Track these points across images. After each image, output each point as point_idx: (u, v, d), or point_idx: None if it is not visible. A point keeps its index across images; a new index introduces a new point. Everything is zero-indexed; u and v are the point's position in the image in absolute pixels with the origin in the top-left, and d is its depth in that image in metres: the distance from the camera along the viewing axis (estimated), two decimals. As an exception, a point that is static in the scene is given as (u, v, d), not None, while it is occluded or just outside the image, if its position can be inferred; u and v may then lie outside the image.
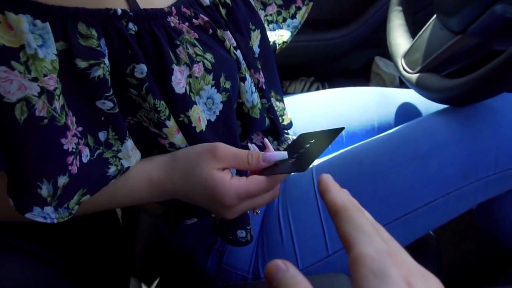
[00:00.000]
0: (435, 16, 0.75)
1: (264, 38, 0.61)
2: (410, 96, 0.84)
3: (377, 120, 0.82)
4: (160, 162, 0.48)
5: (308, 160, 0.43)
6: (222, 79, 0.50)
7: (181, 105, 0.46)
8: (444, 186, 0.63)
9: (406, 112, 0.83)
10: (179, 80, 0.45)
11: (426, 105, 0.82)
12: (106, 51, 0.41)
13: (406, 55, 0.78)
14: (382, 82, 1.24)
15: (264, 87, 0.59)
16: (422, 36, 0.76)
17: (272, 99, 0.67)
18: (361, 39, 1.19)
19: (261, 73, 0.59)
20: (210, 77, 0.48)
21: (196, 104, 0.48)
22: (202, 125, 0.48)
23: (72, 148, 0.40)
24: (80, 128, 0.42)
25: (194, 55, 0.47)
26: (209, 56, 0.48)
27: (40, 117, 0.37)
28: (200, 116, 0.48)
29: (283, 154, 0.45)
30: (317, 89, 1.27)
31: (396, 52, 0.80)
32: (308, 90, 1.26)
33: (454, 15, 0.68)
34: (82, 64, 0.39)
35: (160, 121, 0.46)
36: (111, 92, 0.42)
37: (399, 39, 0.81)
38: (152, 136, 0.48)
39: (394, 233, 0.62)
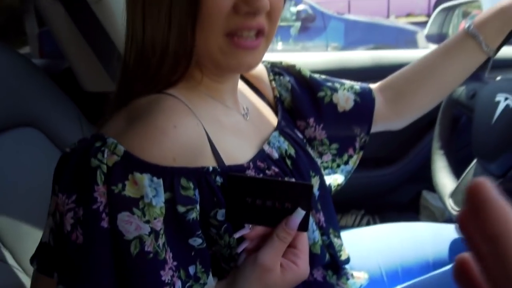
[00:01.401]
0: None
1: (322, 183, 0.71)
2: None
3: (431, 256, 0.85)
4: None
5: None
6: None
7: None
8: None
9: (460, 248, 0.85)
10: None
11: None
12: (199, 198, 0.51)
13: (453, 195, 0.84)
14: (432, 215, 1.28)
15: (324, 225, 0.66)
16: (465, 178, 0.83)
17: (331, 236, 0.73)
18: (407, 176, 1.27)
19: (321, 213, 0.67)
20: None
21: None
22: None
23: (168, 280, 0.48)
24: (175, 263, 0.50)
25: None
26: None
27: (148, 251, 0.46)
28: None
29: (301, 213, 0.49)
30: (368, 222, 1.32)
31: (443, 192, 0.87)
32: (359, 223, 1.31)
33: (493, 161, 0.75)
34: (181, 209, 0.49)
35: (231, 256, 0.53)
36: (200, 231, 0.51)
37: (445, 179, 0.89)
38: (220, 271, 0.55)
39: None
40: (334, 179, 0.80)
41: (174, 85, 0.55)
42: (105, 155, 0.46)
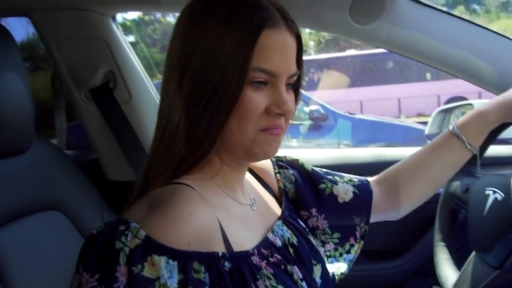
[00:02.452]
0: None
1: (324, 271, 0.73)
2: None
3: None
4: None
5: None
6: None
7: None
8: None
9: None
10: None
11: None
12: (208, 281, 0.54)
13: (455, 287, 0.85)
14: (444, 312, 1.25)
15: None
16: (466, 270, 0.85)
17: None
18: (415, 269, 1.27)
19: None
20: None
21: None
22: None
23: None
24: None
25: (270, 287, 0.59)
26: (281, 287, 0.60)
27: None
28: None
29: None
30: (378, 317, 1.29)
31: (446, 284, 0.88)
32: (369, 318, 1.28)
33: (489, 252, 0.78)
34: None
35: None
36: None
37: (447, 271, 0.90)
38: None
39: None
40: (337, 268, 0.83)
41: (192, 172, 0.62)
42: (128, 238, 0.52)
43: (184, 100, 0.60)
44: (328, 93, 7.52)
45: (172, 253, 0.52)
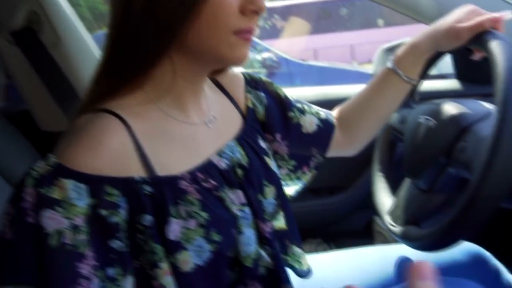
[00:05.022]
0: (408, 178, 0.90)
1: (280, 192, 0.73)
2: (408, 250, 0.91)
3: (377, 279, 0.88)
4: None
5: None
6: (212, 233, 0.60)
7: (173, 249, 0.57)
8: None
9: (404, 266, 0.89)
10: (174, 230, 0.57)
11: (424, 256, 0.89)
12: (124, 204, 0.55)
13: (390, 212, 0.89)
14: (385, 239, 1.32)
15: (268, 236, 0.68)
16: (400, 195, 0.89)
17: (293, 246, 0.77)
18: (358, 201, 1.33)
19: (269, 224, 0.69)
20: (202, 230, 0.59)
21: (186, 250, 0.58)
22: (187, 267, 0.58)
23: (86, 274, 0.52)
24: (94, 262, 0.53)
25: (192, 212, 0.59)
26: (204, 214, 0.60)
27: (67, 243, 0.51)
28: (188, 260, 0.58)
29: None
30: (324, 249, 1.35)
31: (382, 210, 0.92)
32: (315, 251, 1.34)
33: (420, 177, 0.82)
34: (104, 212, 0.54)
35: (155, 263, 0.56)
36: (122, 235, 0.55)
37: (383, 199, 0.94)
38: (148, 278, 0.57)
39: None
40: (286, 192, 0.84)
41: (131, 95, 0.60)
42: (40, 165, 0.54)
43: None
44: (282, 42, 7.42)
45: (81, 177, 0.53)
